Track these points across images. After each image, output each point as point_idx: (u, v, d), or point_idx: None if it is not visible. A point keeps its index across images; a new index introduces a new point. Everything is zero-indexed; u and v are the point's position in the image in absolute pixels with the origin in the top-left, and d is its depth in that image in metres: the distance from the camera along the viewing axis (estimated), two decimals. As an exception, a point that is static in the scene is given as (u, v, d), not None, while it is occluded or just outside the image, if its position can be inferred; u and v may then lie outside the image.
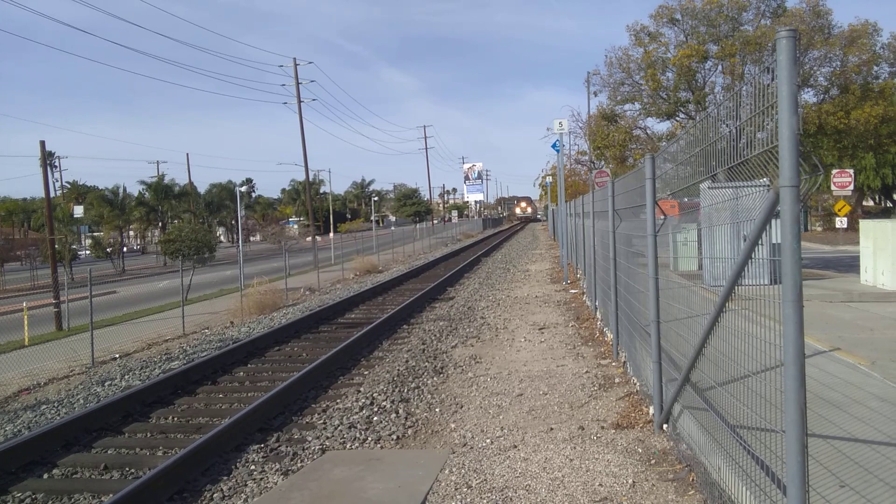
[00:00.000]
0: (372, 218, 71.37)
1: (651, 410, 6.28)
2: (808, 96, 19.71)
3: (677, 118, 21.46)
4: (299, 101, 40.27)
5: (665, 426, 5.91)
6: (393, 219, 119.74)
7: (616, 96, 21.89)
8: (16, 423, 8.31)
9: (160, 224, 64.11)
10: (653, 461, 5.43)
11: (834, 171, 21.26)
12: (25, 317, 15.99)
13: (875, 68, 18.88)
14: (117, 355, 12.65)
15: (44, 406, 9.00)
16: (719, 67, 20.47)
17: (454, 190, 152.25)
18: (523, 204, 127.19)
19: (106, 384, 10.02)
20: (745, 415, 3.50)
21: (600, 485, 5.07)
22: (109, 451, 7.01)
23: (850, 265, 17.57)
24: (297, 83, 40.43)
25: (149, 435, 7.53)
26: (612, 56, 21.75)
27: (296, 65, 40.47)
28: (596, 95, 25.38)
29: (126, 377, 10.39)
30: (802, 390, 2.78)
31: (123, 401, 8.33)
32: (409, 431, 6.85)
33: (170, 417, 8.15)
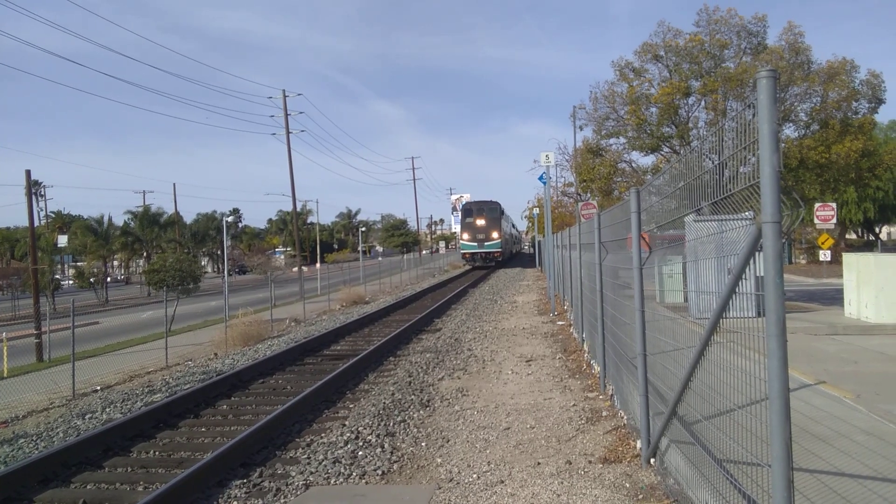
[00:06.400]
0: (359, 248, 71.24)
1: (638, 444, 6.25)
2: (790, 131, 20.11)
3: (661, 152, 21.77)
4: (287, 132, 40.44)
5: (652, 460, 5.88)
6: (380, 249, 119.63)
7: (601, 130, 22.20)
8: (-8, 457, 8.13)
9: (145, 254, 63.69)
10: (640, 496, 5.39)
11: (817, 205, 21.59)
12: (5, 348, 15.75)
13: (854, 104, 19.31)
14: (99, 387, 12.44)
15: (21, 440, 8.81)
16: (702, 103, 20.87)
17: (441, 221, 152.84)
18: (480, 221, 52.44)
19: (86, 417, 9.84)
20: (732, 448, 3.50)
21: (588, 520, 5.02)
22: (89, 486, 6.86)
23: (834, 298, 17.73)
24: (286, 114, 40.64)
25: (129, 469, 7.38)
26: (597, 91, 22.13)
27: (285, 96, 40.71)
28: (581, 129, 25.84)
29: (107, 410, 10.21)
30: (787, 424, 2.79)
31: (104, 434, 8.18)
32: (395, 466, 6.76)
33: (151, 451, 7.99)
